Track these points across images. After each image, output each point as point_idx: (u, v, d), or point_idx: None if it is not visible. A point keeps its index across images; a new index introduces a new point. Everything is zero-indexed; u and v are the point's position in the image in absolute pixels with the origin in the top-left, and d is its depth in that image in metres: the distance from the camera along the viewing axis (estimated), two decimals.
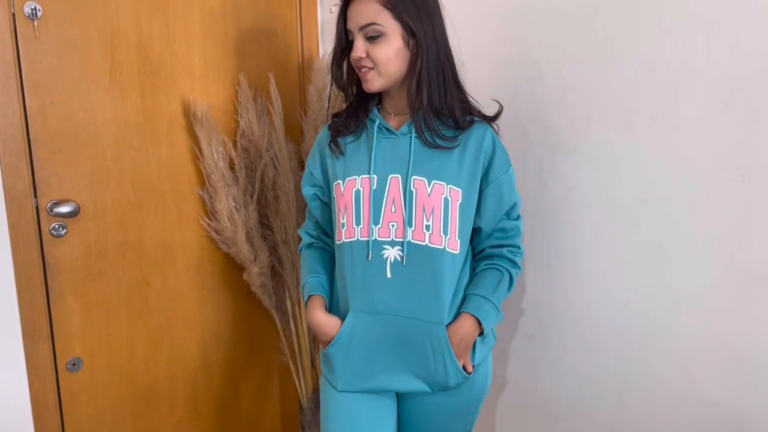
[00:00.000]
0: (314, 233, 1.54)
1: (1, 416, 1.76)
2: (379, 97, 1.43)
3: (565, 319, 1.62)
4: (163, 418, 2.07)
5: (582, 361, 1.59)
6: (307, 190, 1.50)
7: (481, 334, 1.35)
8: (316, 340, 2.13)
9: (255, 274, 1.99)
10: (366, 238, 1.32)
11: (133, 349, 1.97)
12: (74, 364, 1.85)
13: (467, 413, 1.44)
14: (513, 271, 1.41)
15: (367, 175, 1.33)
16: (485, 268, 1.41)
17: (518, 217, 1.44)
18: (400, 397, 1.44)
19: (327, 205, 1.50)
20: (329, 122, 1.49)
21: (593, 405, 1.58)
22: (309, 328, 2.11)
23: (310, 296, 1.40)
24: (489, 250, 1.43)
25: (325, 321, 1.36)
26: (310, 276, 1.45)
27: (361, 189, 1.33)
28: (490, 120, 1.39)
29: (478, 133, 1.35)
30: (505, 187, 1.37)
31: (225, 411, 2.21)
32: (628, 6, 1.38)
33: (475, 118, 1.37)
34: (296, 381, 2.15)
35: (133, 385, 1.98)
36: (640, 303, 1.45)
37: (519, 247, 1.44)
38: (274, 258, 2.06)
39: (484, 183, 1.36)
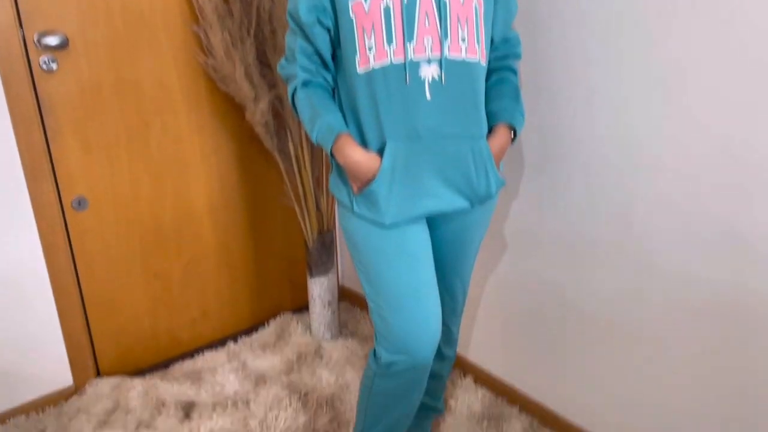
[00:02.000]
0: (312, 68, 1.36)
1: (11, 255, 1.79)
2: None
3: (572, 145, 1.59)
4: (172, 260, 2.11)
5: (587, 190, 1.58)
6: (308, 16, 1.30)
7: (512, 140, 1.40)
8: (319, 181, 2.12)
9: (258, 113, 1.94)
10: (401, 60, 1.23)
11: (138, 191, 1.97)
12: (79, 203, 1.86)
13: (487, 222, 1.49)
14: (517, 80, 1.45)
15: None
16: (499, 80, 1.42)
17: (513, 28, 1.46)
18: (434, 223, 1.43)
19: (329, 32, 1.35)
20: None
21: (596, 233, 1.59)
22: (313, 173, 2.10)
23: (339, 134, 1.29)
24: (495, 62, 1.42)
25: (365, 158, 1.28)
26: (327, 114, 1.31)
27: (391, 3, 1.23)
28: None
29: None
30: None
31: (231, 254, 2.25)
32: None
33: None
34: (301, 222, 2.17)
35: (140, 227, 2.01)
36: (652, 120, 1.41)
37: (520, 56, 1.47)
38: (274, 97, 2.01)
39: None
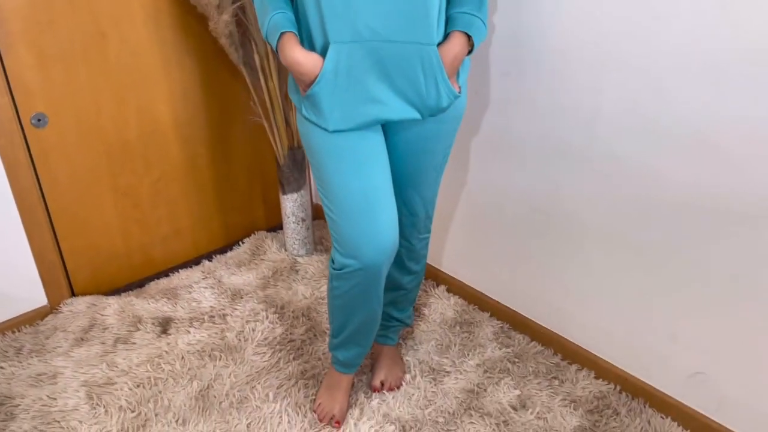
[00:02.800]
0: None
1: None
2: None
3: (541, 51, 1.56)
4: (141, 177, 2.08)
5: (555, 94, 1.57)
6: None
7: (470, 51, 1.33)
8: (288, 95, 2.08)
9: (222, 23, 1.86)
10: None
11: (99, 107, 1.91)
12: (39, 120, 1.80)
13: (448, 137, 1.45)
14: None
15: None
16: None
17: None
18: (388, 131, 1.41)
19: None
20: None
21: (564, 136, 1.59)
22: (287, 77, 2.05)
23: (281, 33, 1.27)
24: None
25: (305, 58, 1.25)
26: (274, 12, 1.29)
27: None
28: None
29: None
30: None
31: (201, 171, 2.22)
32: None
33: None
34: (271, 138, 2.13)
35: (104, 144, 1.96)
36: (619, 24, 1.39)
37: None
38: (238, 7, 1.93)
39: None
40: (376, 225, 1.32)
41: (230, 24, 1.88)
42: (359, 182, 1.32)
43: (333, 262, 1.39)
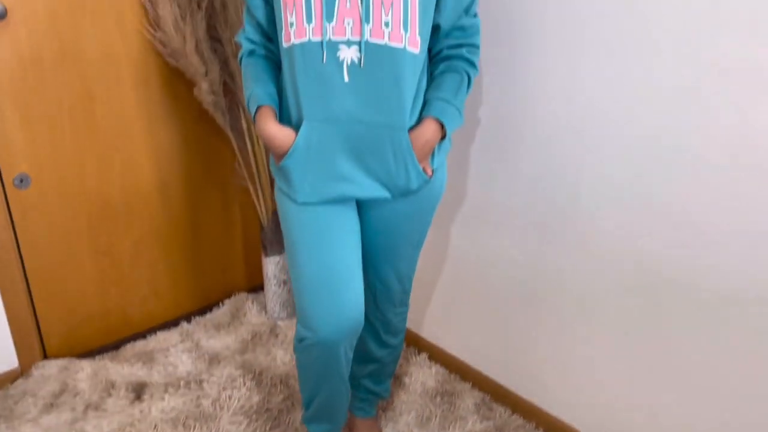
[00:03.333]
0: (256, 38, 1.39)
1: None
2: None
3: (524, 126, 1.59)
4: (122, 237, 2.06)
5: (537, 167, 1.59)
6: None
7: (443, 138, 1.33)
8: None
9: (205, 91, 1.89)
10: (319, 38, 1.22)
11: (83, 167, 1.91)
12: (21, 180, 1.79)
13: (424, 216, 1.45)
14: (471, 72, 1.37)
15: None
16: (444, 71, 1.35)
17: (476, 15, 1.37)
18: (361, 208, 1.41)
19: (269, 4, 1.35)
20: None
21: (545, 209, 1.60)
22: (265, 146, 2.07)
23: (258, 107, 1.30)
24: (447, 51, 1.36)
25: (278, 132, 1.28)
26: (256, 86, 1.33)
27: None
28: None
29: None
30: None
31: (184, 232, 2.21)
32: None
33: None
34: (255, 201, 2.14)
35: (86, 203, 1.95)
36: (600, 102, 1.42)
37: (478, 47, 1.38)
38: (226, 73, 1.96)
39: None
40: (338, 301, 1.32)
41: (213, 93, 1.90)
42: (324, 256, 1.32)
43: (296, 332, 1.38)
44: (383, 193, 1.33)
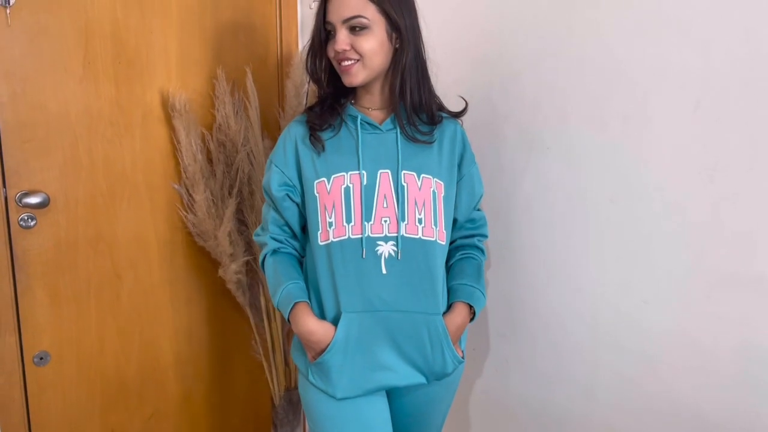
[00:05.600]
0: (281, 238, 1.45)
1: None
2: (352, 93, 1.42)
3: (536, 318, 1.62)
4: (133, 414, 2.04)
5: (552, 361, 1.60)
6: (278, 191, 1.39)
7: (471, 320, 1.41)
8: (290, 336, 2.12)
9: (232, 271, 1.97)
10: (358, 236, 1.30)
11: (103, 344, 1.94)
12: (41, 358, 1.82)
13: (450, 396, 1.48)
14: (482, 258, 1.50)
15: (357, 171, 1.32)
16: (462, 258, 1.47)
17: (480, 209, 1.54)
18: (392, 394, 1.43)
19: (298, 206, 1.43)
20: (300, 117, 1.44)
21: (563, 405, 1.58)
22: (288, 334, 2.10)
23: (296, 303, 1.33)
24: (460, 240, 1.50)
25: (319, 328, 1.31)
26: (289, 282, 1.37)
27: (351, 185, 1.31)
28: (458, 116, 1.46)
29: (450, 128, 1.43)
30: (475, 179, 1.46)
31: (196, 408, 2.19)
32: (600, 6, 1.39)
33: (444, 115, 1.43)
34: (269, 378, 2.13)
35: (102, 381, 1.95)
36: (610, 301, 1.46)
37: (486, 236, 1.53)
38: (249, 254, 2.05)
39: (458, 176, 1.42)
40: None
41: (241, 272, 1.98)
42: None
43: None
44: (419, 379, 1.36)
